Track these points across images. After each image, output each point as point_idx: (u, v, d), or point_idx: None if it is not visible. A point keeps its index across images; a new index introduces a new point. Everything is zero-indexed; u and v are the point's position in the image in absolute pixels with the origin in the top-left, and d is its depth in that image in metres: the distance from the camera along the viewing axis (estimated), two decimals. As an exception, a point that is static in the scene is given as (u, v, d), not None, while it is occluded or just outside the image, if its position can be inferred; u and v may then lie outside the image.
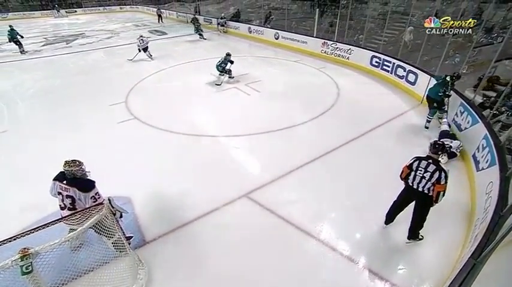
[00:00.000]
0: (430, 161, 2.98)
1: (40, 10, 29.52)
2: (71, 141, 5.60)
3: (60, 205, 2.93)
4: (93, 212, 2.66)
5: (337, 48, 10.58)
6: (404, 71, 7.84)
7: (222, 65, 8.50)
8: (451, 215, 3.75)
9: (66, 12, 29.37)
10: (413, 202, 3.23)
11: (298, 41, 12.29)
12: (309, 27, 13.62)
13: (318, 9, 12.84)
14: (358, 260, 3.20)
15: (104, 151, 5.30)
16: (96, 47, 14.34)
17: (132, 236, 3.41)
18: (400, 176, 3.23)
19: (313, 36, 12.01)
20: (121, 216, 3.10)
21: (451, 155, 4.80)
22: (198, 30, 15.12)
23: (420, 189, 3.04)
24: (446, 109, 5.75)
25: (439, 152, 2.99)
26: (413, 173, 3.07)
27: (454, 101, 5.74)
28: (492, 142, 4.01)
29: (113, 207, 2.87)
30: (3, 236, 2.19)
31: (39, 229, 2.28)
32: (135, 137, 5.85)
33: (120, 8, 33.90)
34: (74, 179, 2.82)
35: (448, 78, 5.54)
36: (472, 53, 7.53)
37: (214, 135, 5.85)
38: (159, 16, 22.32)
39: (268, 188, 4.33)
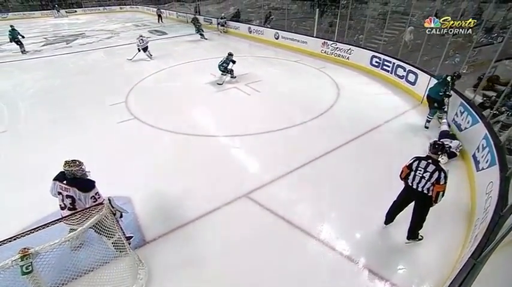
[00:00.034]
0: (430, 161, 2.98)
1: (40, 10, 29.52)
2: (71, 141, 5.61)
3: (60, 205, 2.93)
4: (93, 212, 2.66)
5: (337, 48, 10.58)
6: (405, 71, 7.84)
7: (224, 64, 8.52)
8: (451, 215, 3.75)
9: (66, 12, 29.38)
10: (413, 202, 3.23)
11: (298, 41, 12.30)
12: (309, 27, 13.62)
13: (318, 9, 12.83)
14: (358, 260, 3.20)
15: (104, 150, 5.30)
16: (96, 47, 14.34)
17: (132, 236, 3.41)
18: (400, 176, 3.23)
19: (313, 36, 12.01)
20: (121, 216, 3.10)
21: (451, 155, 4.80)
22: (199, 30, 15.12)
23: (420, 189, 3.04)
24: (446, 110, 5.75)
25: (439, 152, 2.99)
26: (412, 173, 3.07)
27: (454, 101, 5.74)
28: (492, 142, 4.01)
29: (113, 207, 2.87)
30: (3, 236, 2.19)
31: (39, 229, 2.28)
32: (135, 137, 5.85)
33: (120, 8, 33.91)
34: (74, 179, 2.82)
35: (448, 79, 5.54)
36: (472, 53, 7.53)
37: (214, 135, 5.85)
38: (159, 16, 22.33)
39: (268, 188, 4.33)
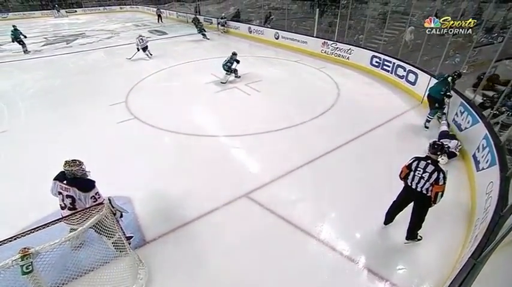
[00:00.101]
0: (429, 161, 2.98)
1: (40, 10, 29.52)
2: (71, 141, 5.61)
3: (60, 205, 2.93)
4: (93, 212, 2.66)
5: (337, 48, 10.58)
6: (405, 71, 7.84)
7: (228, 64, 8.55)
8: (451, 215, 3.75)
9: (66, 12, 29.39)
10: (413, 203, 3.23)
11: (299, 41, 12.30)
12: (309, 27, 13.62)
13: (318, 9, 12.83)
14: (358, 260, 3.20)
15: (104, 150, 5.30)
16: (96, 47, 14.34)
17: (132, 236, 3.42)
18: (400, 176, 3.23)
19: (313, 36, 12.01)
20: (121, 216, 3.10)
21: (451, 155, 4.80)
22: (202, 30, 15.12)
23: (419, 189, 3.04)
24: (445, 111, 5.77)
25: (438, 153, 2.99)
26: (412, 173, 3.07)
27: (454, 101, 5.74)
28: (492, 142, 4.01)
29: (113, 207, 2.87)
30: (3, 236, 2.19)
31: (39, 229, 2.28)
32: (135, 137, 5.85)
33: (120, 8, 33.92)
34: (74, 179, 2.82)
35: (449, 79, 5.53)
36: (472, 53, 7.53)
37: (215, 135, 5.85)
38: (159, 16, 22.34)
39: (268, 188, 4.33)
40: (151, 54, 11.70)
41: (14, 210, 3.89)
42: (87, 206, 2.82)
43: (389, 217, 3.51)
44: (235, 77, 8.88)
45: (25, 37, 13.31)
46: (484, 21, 7.46)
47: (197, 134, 5.87)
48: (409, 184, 3.12)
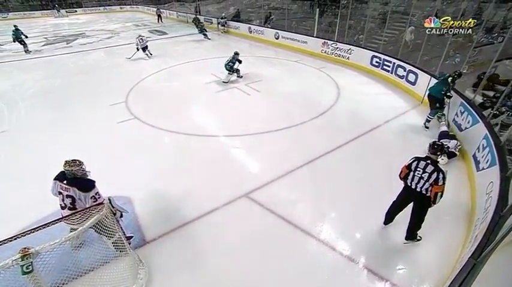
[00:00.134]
0: (429, 161, 2.97)
1: (40, 10, 29.55)
2: (71, 141, 5.61)
3: (60, 205, 2.93)
4: (93, 212, 2.66)
5: (337, 48, 10.58)
6: (405, 70, 7.84)
7: (230, 63, 8.57)
8: (451, 215, 3.75)
9: (66, 12, 29.41)
10: (412, 203, 3.23)
11: (299, 41, 12.29)
12: (309, 27, 13.62)
13: (318, 9, 12.83)
14: (358, 260, 3.20)
15: (104, 150, 5.30)
16: (97, 47, 14.35)
17: (132, 236, 3.42)
18: (399, 175, 3.23)
19: (313, 36, 12.01)
20: (121, 216, 3.10)
21: (451, 155, 4.80)
22: (203, 30, 15.12)
23: (418, 189, 3.03)
24: (444, 113, 5.77)
25: (438, 153, 2.98)
26: (412, 173, 3.07)
27: (454, 101, 5.74)
28: (492, 142, 4.01)
29: (113, 207, 2.87)
30: (3, 236, 2.20)
31: (39, 229, 2.28)
32: (135, 137, 5.85)
33: (120, 8, 33.93)
34: (74, 179, 2.82)
35: (449, 79, 5.53)
36: (473, 53, 7.53)
37: (215, 135, 5.85)
38: (159, 16, 22.35)
39: (268, 188, 4.33)
40: (151, 54, 11.73)
41: (14, 210, 3.89)
42: (87, 206, 2.82)
43: (389, 217, 3.51)
44: (238, 76, 8.91)
45: (26, 37, 13.37)
46: (484, 21, 7.46)
47: (197, 134, 5.88)
48: (409, 184, 3.12)
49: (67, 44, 15.41)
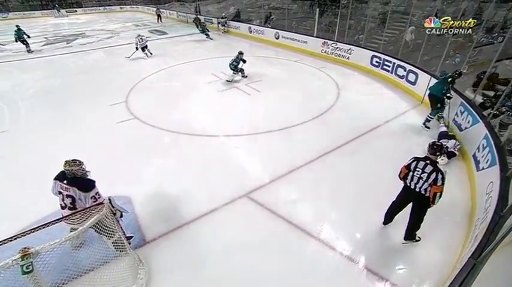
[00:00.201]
0: (428, 161, 2.97)
1: (40, 10, 29.53)
2: (71, 141, 5.61)
3: (60, 204, 2.93)
4: (93, 211, 2.66)
5: (337, 48, 10.58)
6: (405, 70, 7.84)
7: (234, 63, 8.61)
8: (452, 215, 3.75)
9: (66, 12, 29.41)
10: (411, 203, 3.23)
11: (299, 40, 12.29)
12: (309, 27, 13.62)
13: (318, 9, 12.83)
14: (358, 260, 3.20)
15: (104, 150, 5.30)
16: (97, 47, 14.35)
17: (132, 236, 3.42)
18: (399, 175, 3.23)
19: (313, 36, 12.01)
20: (121, 216, 3.10)
21: (450, 155, 4.80)
22: (204, 30, 15.12)
23: (417, 189, 3.04)
24: (442, 115, 5.76)
25: (437, 153, 2.98)
26: (411, 173, 3.07)
27: (454, 100, 5.73)
28: (492, 142, 4.01)
29: (113, 207, 2.87)
30: (3, 236, 2.20)
31: (39, 229, 2.28)
32: (135, 137, 5.85)
33: (120, 8, 33.92)
34: (74, 179, 2.82)
35: (449, 79, 5.52)
36: (473, 53, 7.53)
37: (215, 135, 5.85)
38: (159, 16, 22.34)
39: (268, 188, 4.33)
40: (151, 54, 11.77)
41: (14, 210, 3.89)
42: (87, 206, 2.82)
43: (389, 217, 3.51)
44: (242, 76, 8.93)
45: (28, 37, 13.46)
46: (484, 21, 7.45)
47: (197, 134, 5.87)
48: (408, 184, 3.12)
49: (67, 44, 15.41)
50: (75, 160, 2.85)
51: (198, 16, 17.82)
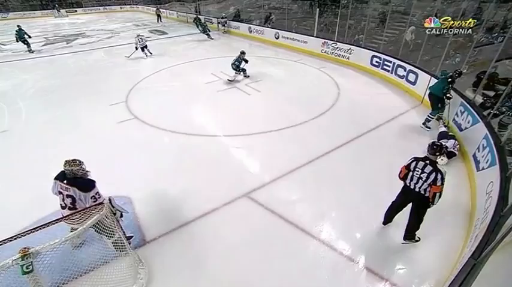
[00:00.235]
0: (427, 162, 2.97)
1: (40, 10, 29.56)
2: (71, 141, 5.61)
3: (60, 204, 2.93)
4: (94, 211, 2.66)
5: (337, 48, 10.58)
6: (405, 70, 7.84)
7: (236, 63, 8.62)
8: (452, 215, 3.75)
9: (66, 12, 29.41)
10: (411, 203, 3.22)
11: (299, 40, 12.29)
12: (309, 27, 13.62)
13: (318, 9, 12.82)
14: (358, 260, 3.20)
15: (104, 150, 5.31)
16: (97, 47, 14.35)
17: (132, 236, 3.42)
18: (399, 176, 3.23)
19: (313, 36, 12.01)
20: (121, 216, 3.10)
21: (450, 155, 4.80)
22: (206, 30, 15.10)
23: (417, 189, 3.04)
24: (442, 115, 5.76)
25: (437, 153, 2.98)
26: (411, 173, 3.07)
27: (454, 100, 5.74)
28: (492, 142, 4.01)
29: (113, 207, 2.87)
30: (3, 236, 2.20)
31: (39, 229, 2.28)
32: (135, 137, 5.85)
33: (120, 8, 33.94)
34: (74, 179, 2.82)
35: (449, 79, 5.52)
36: (473, 53, 7.53)
37: (215, 135, 5.85)
38: (158, 16, 22.35)
39: (268, 188, 4.33)
40: (151, 53, 11.79)
41: (14, 210, 3.89)
42: (88, 206, 2.82)
43: (389, 217, 3.51)
44: (245, 76, 8.94)
45: (29, 37, 13.51)
46: (484, 21, 7.46)
47: (197, 134, 5.87)
48: (408, 184, 3.12)
49: (67, 44, 15.42)
50: (75, 159, 2.85)
51: (199, 16, 17.82)
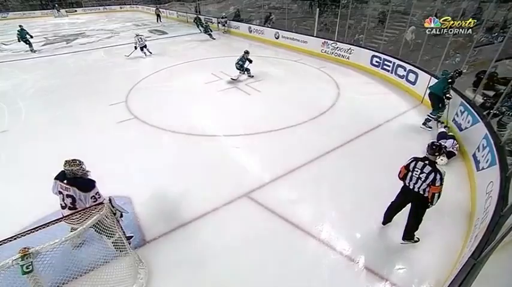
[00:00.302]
0: (427, 162, 2.97)
1: (40, 10, 29.56)
2: (71, 141, 5.61)
3: (60, 204, 2.93)
4: (93, 211, 2.66)
5: (337, 47, 10.58)
6: (405, 70, 7.84)
7: (240, 62, 8.65)
8: (452, 214, 3.75)
9: (66, 11, 29.40)
10: (410, 203, 3.22)
11: (299, 40, 12.29)
12: (309, 26, 13.62)
13: (318, 9, 12.82)
14: (358, 259, 3.20)
15: (104, 150, 5.30)
16: (96, 47, 14.35)
17: (132, 236, 3.42)
18: (398, 176, 3.23)
19: (313, 36, 12.01)
20: (121, 216, 3.10)
21: (450, 155, 4.80)
22: (207, 30, 15.08)
23: (416, 190, 3.04)
24: (442, 115, 5.75)
25: (436, 153, 2.98)
26: (410, 173, 3.07)
27: (454, 100, 5.74)
28: (492, 142, 4.01)
29: (113, 207, 2.87)
30: (3, 236, 2.20)
31: (39, 229, 2.28)
32: (135, 137, 5.85)
33: (120, 8, 33.94)
34: (74, 179, 2.82)
35: (449, 80, 5.52)
36: (473, 53, 7.53)
37: (215, 135, 5.85)
38: (158, 15, 22.34)
39: (268, 188, 4.33)
40: (150, 53, 11.82)
41: (14, 210, 3.89)
42: (88, 205, 2.82)
43: (388, 217, 3.51)
44: (249, 76, 8.95)
45: (31, 37, 13.51)
46: (484, 21, 7.46)
47: (197, 134, 5.87)
48: (407, 184, 3.12)
49: (67, 43, 15.42)
50: (75, 159, 2.85)
51: (199, 16, 17.81)
